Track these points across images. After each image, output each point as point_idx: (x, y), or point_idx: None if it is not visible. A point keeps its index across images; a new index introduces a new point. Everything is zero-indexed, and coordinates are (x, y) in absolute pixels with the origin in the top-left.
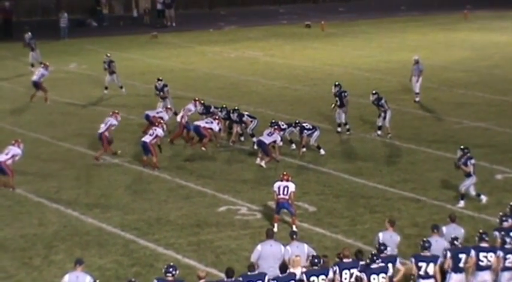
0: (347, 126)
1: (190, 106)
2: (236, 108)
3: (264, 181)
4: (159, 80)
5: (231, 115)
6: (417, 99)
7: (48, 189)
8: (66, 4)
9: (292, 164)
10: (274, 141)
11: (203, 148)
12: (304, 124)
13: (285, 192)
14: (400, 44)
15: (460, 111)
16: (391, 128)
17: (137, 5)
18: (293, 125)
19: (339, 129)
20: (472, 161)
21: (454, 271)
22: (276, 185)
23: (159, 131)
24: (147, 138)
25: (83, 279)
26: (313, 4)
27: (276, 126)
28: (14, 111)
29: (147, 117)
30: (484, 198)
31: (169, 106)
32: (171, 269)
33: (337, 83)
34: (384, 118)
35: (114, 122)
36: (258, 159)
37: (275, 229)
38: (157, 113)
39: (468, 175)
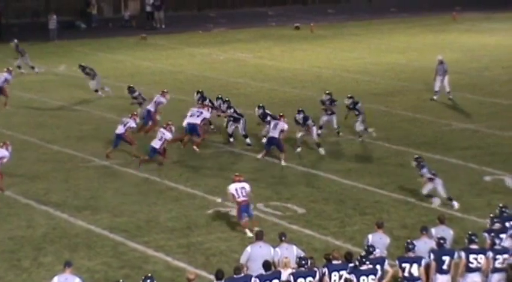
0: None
1: (162, 99)
2: (227, 99)
3: (254, 183)
4: (130, 87)
5: (221, 105)
6: (450, 96)
7: (37, 191)
8: (55, 6)
9: (282, 166)
10: (282, 131)
11: (196, 148)
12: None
13: (244, 194)
14: (389, 46)
15: (449, 113)
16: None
17: (126, 8)
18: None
19: (319, 131)
20: (426, 169)
21: (439, 272)
22: (232, 187)
23: (167, 135)
24: (156, 144)
25: (72, 281)
26: (302, 6)
27: (279, 116)
28: (3, 113)
29: (148, 113)
30: (455, 204)
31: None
32: (148, 281)
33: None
34: (357, 121)
35: (133, 124)
36: (282, 161)
37: (249, 234)
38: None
39: (430, 180)
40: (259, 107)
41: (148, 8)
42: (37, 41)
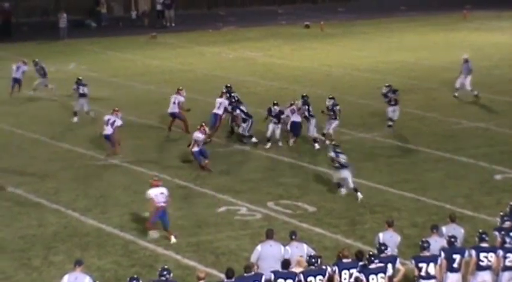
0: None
1: (180, 97)
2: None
3: (264, 181)
4: (79, 79)
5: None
6: (475, 93)
7: (48, 189)
8: (65, 5)
9: (293, 164)
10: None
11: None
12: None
13: (163, 199)
14: (400, 44)
15: (460, 112)
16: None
17: (137, 6)
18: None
19: (391, 123)
20: (343, 156)
21: (450, 271)
22: (152, 192)
23: (198, 136)
24: (194, 148)
25: (82, 280)
26: (312, 4)
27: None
28: (13, 111)
29: (173, 115)
30: (359, 195)
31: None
32: (165, 272)
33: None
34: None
35: (119, 122)
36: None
37: (155, 236)
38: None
39: (339, 168)
40: (274, 104)
41: (158, 7)
42: (47, 40)
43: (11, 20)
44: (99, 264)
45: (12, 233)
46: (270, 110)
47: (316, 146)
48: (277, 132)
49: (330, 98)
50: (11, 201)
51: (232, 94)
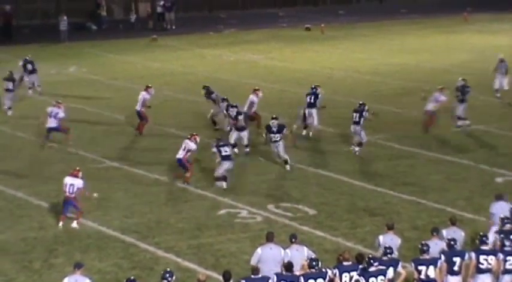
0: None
1: (146, 95)
2: (235, 104)
3: (264, 184)
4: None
5: (230, 109)
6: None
7: (49, 192)
8: (66, 8)
9: (293, 167)
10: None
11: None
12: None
13: (71, 191)
14: (401, 47)
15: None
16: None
17: (137, 9)
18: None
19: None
20: (226, 148)
21: (450, 274)
22: (65, 180)
23: (191, 146)
24: (180, 155)
25: None
26: (313, 7)
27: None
28: (14, 114)
29: (138, 113)
30: (224, 184)
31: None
32: (167, 275)
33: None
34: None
35: (62, 114)
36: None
37: (60, 225)
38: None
39: (223, 160)
40: (273, 118)
41: (159, 9)
42: (48, 43)
43: (12, 23)
44: (100, 267)
45: (14, 236)
46: (268, 127)
47: (287, 167)
48: (281, 149)
49: (360, 104)
50: (12, 204)
51: (222, 97)
